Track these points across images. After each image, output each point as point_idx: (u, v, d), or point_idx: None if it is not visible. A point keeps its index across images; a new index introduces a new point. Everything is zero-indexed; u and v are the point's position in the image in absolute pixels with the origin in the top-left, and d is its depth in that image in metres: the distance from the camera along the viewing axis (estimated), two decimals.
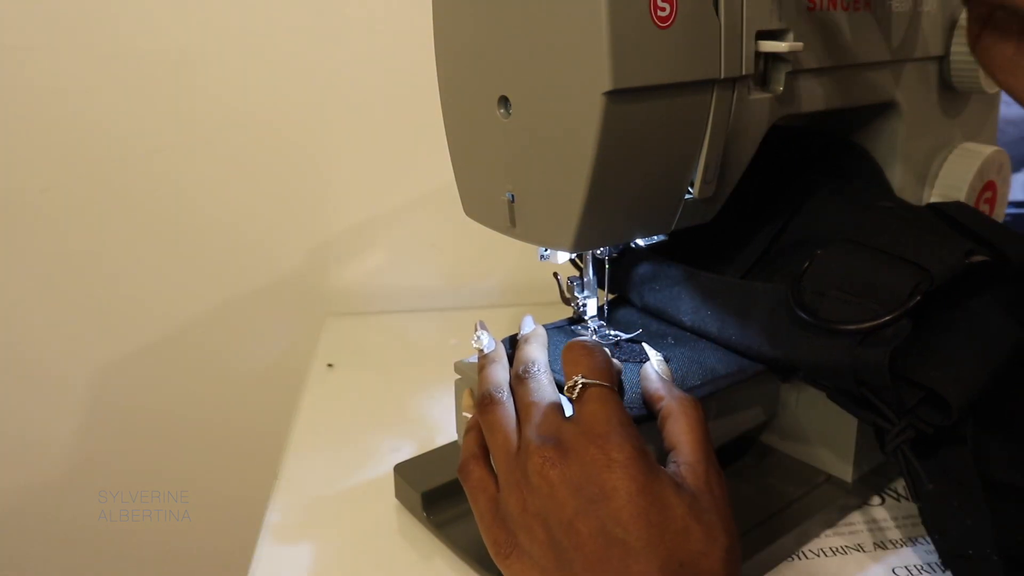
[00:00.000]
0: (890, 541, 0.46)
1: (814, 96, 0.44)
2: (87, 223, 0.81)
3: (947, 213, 0.45)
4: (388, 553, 0.47)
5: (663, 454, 0.37)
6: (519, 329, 0.46)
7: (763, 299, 0.45)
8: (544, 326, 0.50)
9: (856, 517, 0.49)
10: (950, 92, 0.54)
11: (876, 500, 0.50)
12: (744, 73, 0.38)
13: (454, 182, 0.46)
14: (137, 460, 0.90)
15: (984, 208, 0.56)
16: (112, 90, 0.77)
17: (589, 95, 0.34)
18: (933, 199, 0.54)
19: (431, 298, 0.87)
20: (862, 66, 0.47)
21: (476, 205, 0.45)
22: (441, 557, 0.46)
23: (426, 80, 0.46)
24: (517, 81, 0.38)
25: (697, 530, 0.33)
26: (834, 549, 0.46)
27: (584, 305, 0.49)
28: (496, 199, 0.42)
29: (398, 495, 0.50)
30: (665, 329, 0.50)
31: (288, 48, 0.77)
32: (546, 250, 0.45)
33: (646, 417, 0.39)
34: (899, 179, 0.52)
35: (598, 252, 0.47)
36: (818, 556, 0.45)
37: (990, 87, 0.53)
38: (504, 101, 0.39)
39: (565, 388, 0.38)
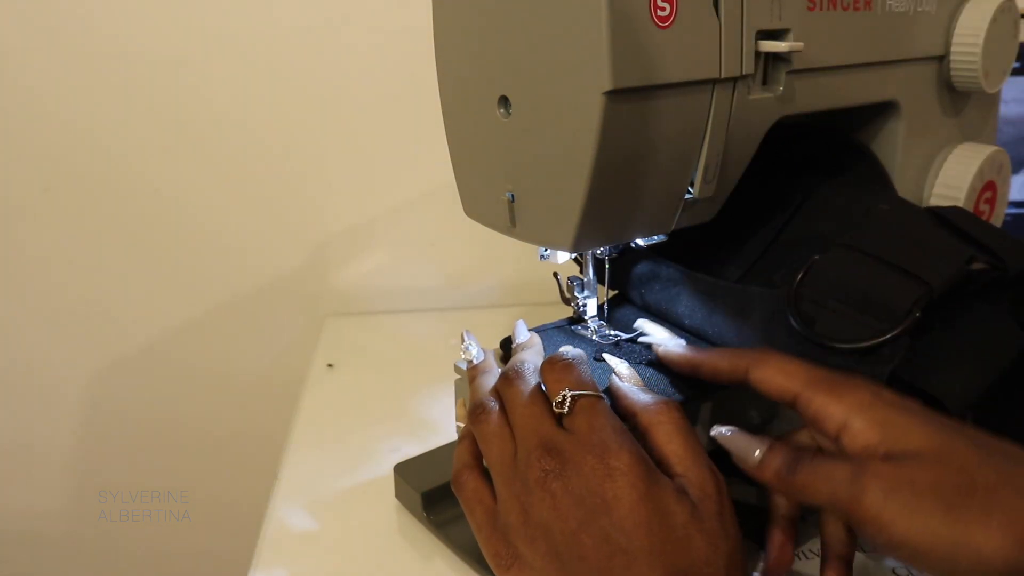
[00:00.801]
0: None
1: (814, 96, 0.44)
2: (87, 223, 0.81)
3: (947, 218, 0.45)
4: (388, 553, 0.47)
5: (656, 463, 0.36)
6: (513, 333, 0.46)
7: (760, 305, 0.44)
8: (544, 326, 0.50)
9: None
10: (950, 92, 0.54)
11: None
12: (744, 73, 0.38)
13: (454, 182, 0.46)
14: (137, 460, 0.90)
15: (984, 208, 0.56)
16: (112, 91, 0.77)
17: (589, 95, 0.34)
18: (933, 199, 0.54)
19: (431, 298, 0.87)
20: (862, 66, 0.47)
21: (476, 205, 0.45)
22: (441, 557, 0.46)
23: (426, 80, 0.46)
24: (517, 81, 0.38)
25: (699, 538, 0.33)
26: None
27: (584, 305, 0.49)
28: (496, 199, 0.42)
29: (398, 495, 0.50)
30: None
31: (288, 48, 0.77)
32: (546, 250, 0.45)
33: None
34: (899, 179, 0.52)
35: (598, 252, 0.47)
36: (818, 556, 0.45)
37: (990, 87, 0.53)
38: (504, 101, 0.39)
39: (554, 405, 0.37)
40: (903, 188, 0.52)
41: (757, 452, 0.34)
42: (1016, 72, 0.69)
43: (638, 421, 0.37)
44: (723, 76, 0.37)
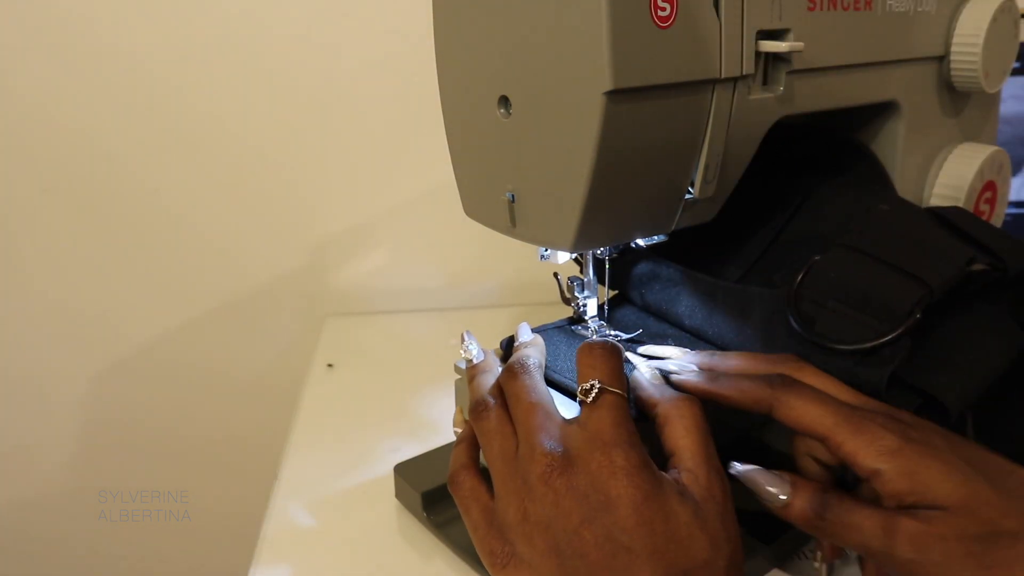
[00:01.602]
0: None
1: (814, 96, 0.44)
2: (86, 224, 0.81)
3: (947, 218, 0.45)
4: (388, 553, 0.47)
5: (664, 458, 0.36)
6: (516, 334, 0.46)
7: (760, 305, 0.44)
8: (544, 326, 0.50)
9: None
10: (950, 92, 0.54)
11: None
12: (744, 73, 0.38)
13: (454, 182, 0.46)
14: (137, 460, 0.90)
15: (984, 208, 0.56)
16: (111, 92, 0.77)
17: (589, 95, 0.34)
18: (933, 199, 0.54)
19: (431, 298, 0.87)
20: (862, 66, 0.47)
21: (476, 205, 0.45)
22: (441, 557, 0.46)
23: (426, 80, 0.46)
24: (517, 81, 0.38)
25: (701, 539, 0.33)
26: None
27: (584, 305, 0.49)
28: (496, 199, 0.42)
29: (398, 495, 0.50)
30: (665, 329, 0.50)
31: (288, 47, 0.77)
32: (546, 250, 0.45)
33: (642, 417, 0.39)
34: (899, 179, 0.52)
35: (598, 252, 0.47)
36: (818, 556, 0.45)
37: (990, 87, 0.53)
38: (504, 101, 0.39)
39: (579, 390, 0.37)
40: (903, 188, 0.52)
41: (783, 496, 0.35)
42: (1016, 72, 0.69)
43: (657, 412, 0.37)
44: (723, 76, 0.37)
